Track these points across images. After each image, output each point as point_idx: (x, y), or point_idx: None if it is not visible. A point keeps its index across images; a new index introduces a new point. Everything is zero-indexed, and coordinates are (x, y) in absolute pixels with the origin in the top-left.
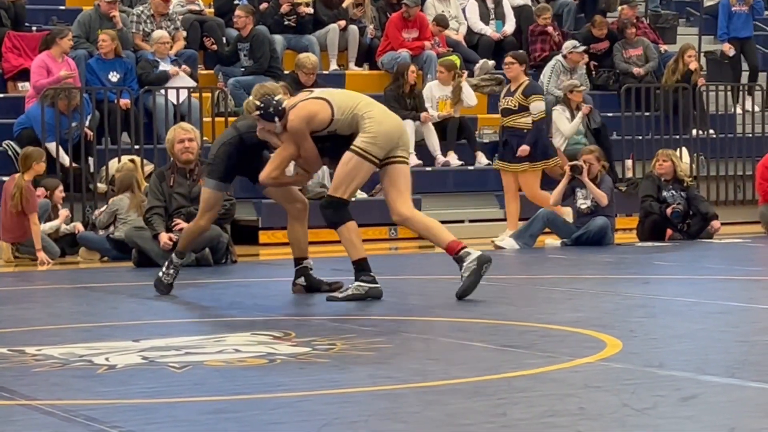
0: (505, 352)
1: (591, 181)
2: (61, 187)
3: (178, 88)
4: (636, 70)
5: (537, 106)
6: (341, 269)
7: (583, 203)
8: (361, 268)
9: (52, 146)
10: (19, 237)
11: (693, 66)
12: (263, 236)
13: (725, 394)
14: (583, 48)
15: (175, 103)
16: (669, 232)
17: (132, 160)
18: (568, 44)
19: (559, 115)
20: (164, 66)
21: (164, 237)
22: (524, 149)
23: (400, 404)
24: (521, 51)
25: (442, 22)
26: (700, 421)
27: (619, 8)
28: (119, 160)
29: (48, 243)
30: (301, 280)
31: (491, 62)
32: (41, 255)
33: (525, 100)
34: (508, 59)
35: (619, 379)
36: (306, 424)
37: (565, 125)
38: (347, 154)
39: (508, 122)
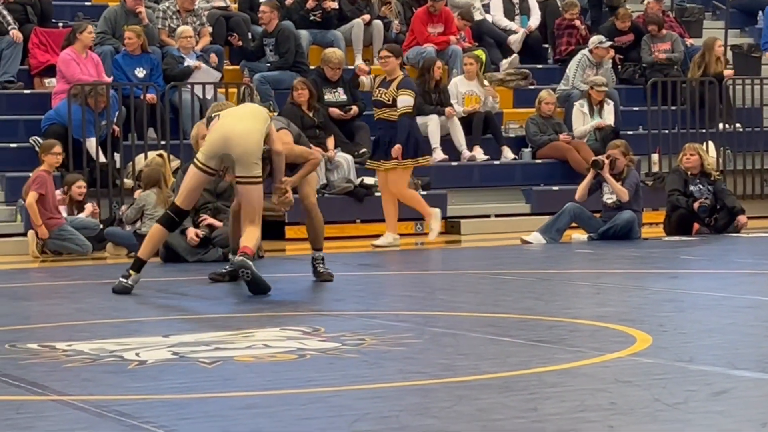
0: (535, 347)
1: (617, 175)
2: (80, 182)
3: (204, 84)
4: (657, 55)
5: (404, 100)
6: (368, 264)
7: (609, 197)
8: None
9: (88, 142)
10: (49, 226)
11: (727, 74)
12: (290, 231)
13: (757, 388)
14: (609, 43)
15: (201, 97)
16: (696, 226)
17: (160, 155)
18: (595, 39)
19: (578, 111)
20: (189, 62)
21: (191, 233)
22: (397, 149)
23: (431, 399)
24: (396, 44)
25: (467, 16)
26: (732, 415)
27: (645, 2)
28: (146, 156)
29: (79, 238)
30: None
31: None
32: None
33: (397, 94)
34: (383, 53)
35: (649, 373)
36: (337, 419)
37: (579, 123)
38: None
39: (380, 114)
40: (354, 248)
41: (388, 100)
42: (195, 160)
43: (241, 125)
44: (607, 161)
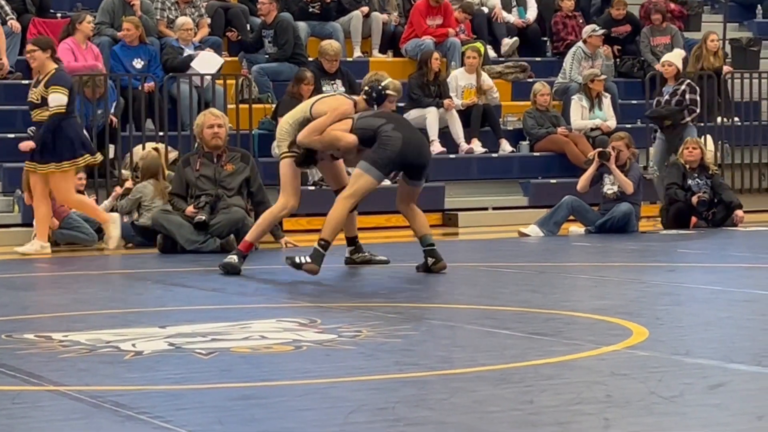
0: (532, 339)
1: (621, 167)
2: (80, 174)
3: (202, 75)
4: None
5: (56, 98)
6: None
7: (610, 189)
8: None
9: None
10: (58, 215)
11: (726, 68)
12: (287, 223)
13: (753, 382)
14: (602, 31)
15: (199, 85)
16: (694, 220)
17: (156, 149)
18: (587, 29)
19: (576, 104)
20: (188, 53)
21: (189, 208)
22: (26, 145)
23: (427, 391)
24: (44, 37)
25: (467, 8)
26: (727, 409)
27: None
28: (143, 147)
29: (85, 227)
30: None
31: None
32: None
33: (47, 92)
34: (28, 47)
35: (645, 366)
36: (333, 411)
37: (578, 116)
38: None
39: (35, 116)
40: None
41: (38, 100)
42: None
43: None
44: (614, 153)
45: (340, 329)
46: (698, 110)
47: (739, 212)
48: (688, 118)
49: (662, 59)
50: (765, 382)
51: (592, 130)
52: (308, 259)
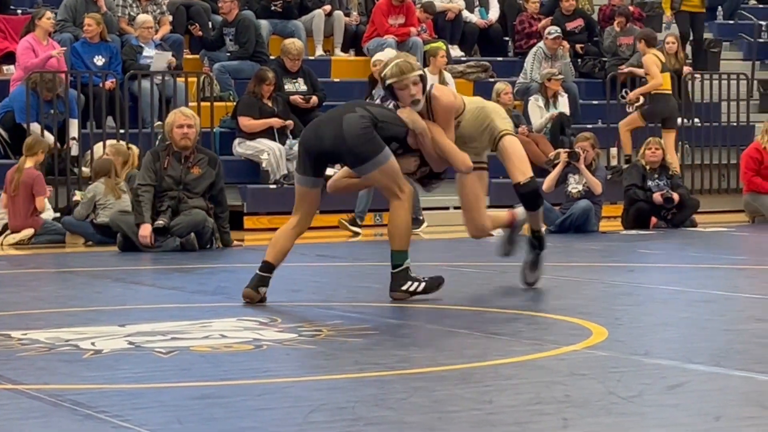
0: (492, 339)
1: (587, 168)
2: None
3: (163, 73)
4: (621, 68)
5: None
6: (326, 254)
7: (575, 188)
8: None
9: (34, 128)
10: (27, 224)
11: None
12: (248, 221)
13: (711, 382)
14: (556, 33)
15: (160, 83)
16: (654, 220)
17: (129, 147)
18: (548, 30)
19: (533, 105)
20: (148, 51)
21: (145, 231)
22: None
23: (387, 390)
24: None
25: (429, 8)
26: (686, 409)
27: None
28: (104, 145)
29: (56, 227)
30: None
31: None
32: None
33: None
34: None
35: (605, 366)
36: (293, 410)
37: (536, 117)
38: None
39: None
40: (313, 239)
41: None
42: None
43: None
44: (583, 153)
45: (301, 328)
46: None
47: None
48: None
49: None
50: (723, 382)
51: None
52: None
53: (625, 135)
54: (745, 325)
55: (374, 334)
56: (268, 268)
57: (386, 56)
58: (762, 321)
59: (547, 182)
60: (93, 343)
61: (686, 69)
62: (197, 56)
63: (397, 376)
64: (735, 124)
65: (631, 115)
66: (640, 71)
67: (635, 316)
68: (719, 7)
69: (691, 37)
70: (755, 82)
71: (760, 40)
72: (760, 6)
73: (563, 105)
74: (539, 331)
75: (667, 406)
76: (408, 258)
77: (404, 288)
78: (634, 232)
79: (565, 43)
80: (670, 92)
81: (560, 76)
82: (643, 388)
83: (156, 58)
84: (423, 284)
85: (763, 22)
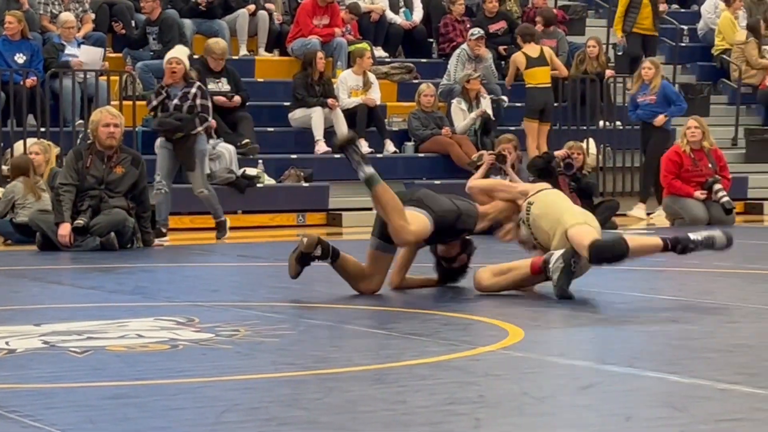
0: (408, 339)
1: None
2: None
3: (86, 71)
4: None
5: None
6: (247, 255)
7: None
8: None
9: None
10: None
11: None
12: (170, 221)
13: (624, 383)
14: (479, 33)
15: (82, 81)
16: None
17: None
18: (471, 30)
19: (456, 107)
20: (71, 49)
21: (64, 230)
22: None
23: (301, 390)
24: None
25: (354, 9)
26: (597, 410)
27: None
28: (24, 143)
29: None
30: None
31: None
32: None
33: None
34: None
35: (519, 367)
36: (206, 410)
37: (459, 120)
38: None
39: None
40: (235, 239)
41: None
42: None
43: None
44: (509, 155)
45: (218, 328)
46: (210, 119)
47: None
48: (200, 128)
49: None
50: (636, 383)
51: (474, 121)
52: None
53: (532, 144)
54: (659, 326)
55: (291, 334)
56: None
57: None
58: (677, 322)
59: (471, 183)
60: (7, 343)
61: (608, 72)
62: (120, 55)
63: (312, 376)
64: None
65: (525, 124)
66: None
67: (552, 317)
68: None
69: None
70: (677, 85)
71: (682, 44)
72: (682, 11)
73: (486, 107)
74: (456, 331)
75: (578, 406)
76: None
77: None
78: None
79: (484, 48)
80: (549, 85)
81: (477, 76)
82: (556, 388)
83: (84, 51)
84: None
85: (684, 27)
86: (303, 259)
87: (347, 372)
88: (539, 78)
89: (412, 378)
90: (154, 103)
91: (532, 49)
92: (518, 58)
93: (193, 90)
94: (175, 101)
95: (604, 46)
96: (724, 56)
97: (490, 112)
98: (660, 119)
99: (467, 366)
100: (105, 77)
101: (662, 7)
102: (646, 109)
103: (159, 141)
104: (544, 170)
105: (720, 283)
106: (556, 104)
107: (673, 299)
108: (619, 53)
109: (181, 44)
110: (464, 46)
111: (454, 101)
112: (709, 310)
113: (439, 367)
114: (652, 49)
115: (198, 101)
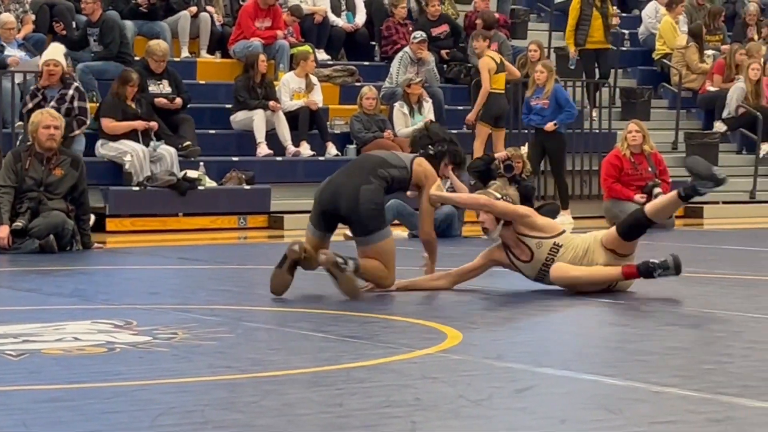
0: (346, 342)
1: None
2: None
3: (25, 72)
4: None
5: None
6: (188, 257)
7: None
8: None
9: None
10: None
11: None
12: (110, 224)
13: (559, 386)
14: (421, 37)
15: (20, 82)
16: None
17: None
18: (414, 33)
19: (398, 112)
20: (10, 50)
21: (2, 232)
22: None
23: (238, 394)
24: None
25: (296, 12)
26: (533, 412)
27: (474, 1)
28: None
29: None
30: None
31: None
32: None
33: None
34: None
35: (456, 370)
36: (142, 414)
37: (401, 124)
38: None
39: None
40: (176, 241)
41: None
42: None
43: None
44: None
45: (156, 331)
46: (88, 121)
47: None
48: (78, 131)
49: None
50: (572, 386)
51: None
52: None
53: (480, 147)
54: (597, 329)
55: (229, 337)
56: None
57: None
58: (614, 325)
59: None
60: None
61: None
62: None
63: (249, 379)
64: (597, 131)
65: (478, 127)
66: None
67: (490, 319)
68: None
69: (597, 74)
70: (617, 89)
71: (623, 49)
72: (623, 15)
73: (428, 111)
74: (394, 334)
75: (514, 409)
76: None
77: None
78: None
79: (426, 51)
80: (503, 92)
81: (419, 80)
82: (492, 391)
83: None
84: None
85: (626, 31)
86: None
87: (284, 375)
88: (500, 83)
89: (349, 381)
90: (30, 105)
91: (495, 55)
92: (489, 63)
93: (71, 92)
94: (52, 103)
95: (546, 50)
96: (665, 60)
97: (433, 116)
98: (549, 126)
99: (404, 369)
100: None
101: (614, 20)
102: (539, 114)
103: None
104: (484, 172)
105: (657, 286)
106: None
107: (611, 302)
108: (571, 67)
109: (59, 44)
110: (407, 49)
111: (397, 105)
112: (646, 313)
113: (376, 370)
114: (605, 62)
115: (76, 103)
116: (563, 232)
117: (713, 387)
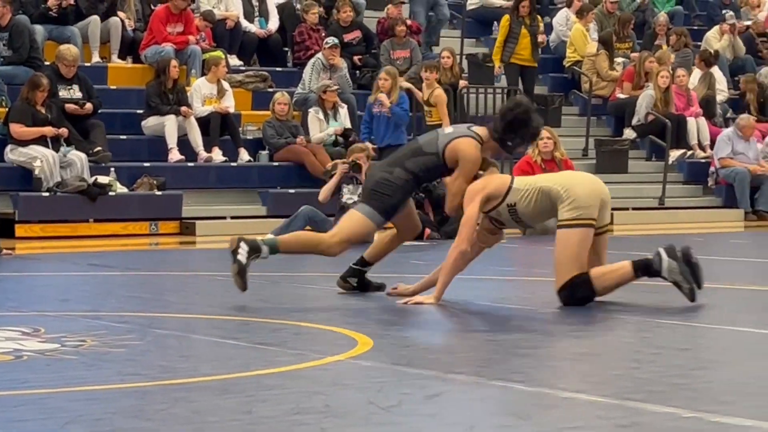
0: (257, 349)
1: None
2: None
3: None
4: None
5: None
6: (98, 264)
7: (350, 198)
8: None
9: None
10: None
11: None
12: (20, 230)
13: (469, 392)
14: (333, 42)
15: None
16: (427, 231)
17: None
18: (327, 39)
19: (313, 117)
20: None
21: None
22: None
23: (147, 401)
24: None
25: (208, 17)
26: (442, 419)
27: (386, 8)
28: None
29: None
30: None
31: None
32: None
33: None
34: None
35: (367, 376)
36: (49, 422)
37: (315, 130)
38: (560, 234)
39: None
40: (87, 248)
41: None
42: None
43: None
44: (364, 165)
45: (64, 338)
46: None
47: (426, 230)
48: None
49: None
50: (482, 392)
51: (336, 137)
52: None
53: None
54: (508, 335)
55: (139, 344)
56: (361, 262)
57: None
58: (525, 331)
59: (324, 193)
60: None
61: (462, 83)
62: None
63: (158, 387)
64: None
65: None
66: (417, 91)
67: (402, 326)
68: (495, 23)
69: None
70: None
71: None
72: None
73: (343, 117)
74: (305, 341)
75: (424, 415)
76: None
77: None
78: (407, 243)
79: (339, 57)
80: None
81: (335, 88)
82: (402, 397)
83: None
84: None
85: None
86: (235, 261)
87: (194, 382)
88: None
89: (259, 388)
90: None
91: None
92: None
93: None
94: None
95: (458, 57)
96: (576, 68)
97: (348, 122)
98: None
99: (315, 375)
100: None
101: (541, 38)
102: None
103: None
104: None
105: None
106: (410, 114)
107: (522, 308)
108: (497, 83)
109: (32, 50)
110: (319, 55)
111: (312, 110)
112: (557, 319)
113: (286, 377)
114: (529, 79)
115: None
116: (510, 185)
117: (621, 393)
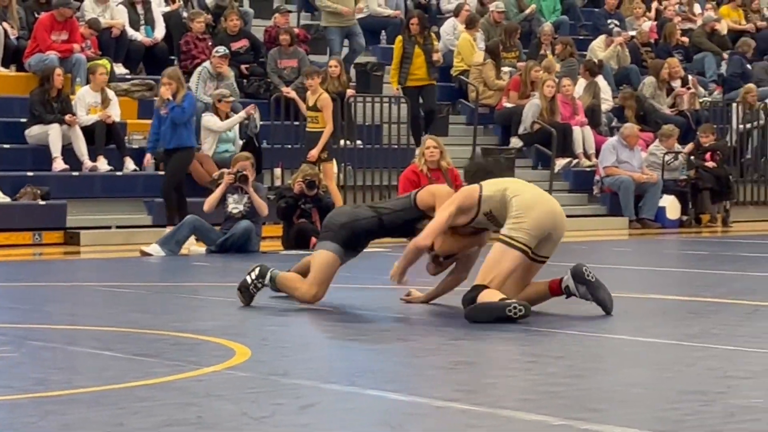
0: (133, 360)
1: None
2: None
3: None
4: (285, 89)
5: None
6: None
7: (236, 208)
8: None
9: None
10: None
11: (349, 92)
12: None
13: (344, 401)
14: (222, 51)
15: None
16: (314, 240)
17: None
18: (216, 48)
19: (210, 118)
20: None
21: None
22: None
23: (17, 414)
24: None
25: (94, 25)
26: (315, 429)
27: (273, 17)
28: None
29: None
30: None
31: None
32: None
33: None
34: None
35: (242, 387)
36: None
37: (213, 127)
38: (496, 244)
39: None
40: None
41: None
42: (509, 239)
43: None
44: (250, 175)
45: None
46: None
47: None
48: None
49: None
50: (356, 402)
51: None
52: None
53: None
54: (386, 344)
55: (13, 356)
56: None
57: None
58: (403, 340)
59: (210, 202)
60: None
61: (349, 92)
62: None
63: (29, 400)
64: (396, 146)
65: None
66: (299, 99)
67: (281, 336)
68: (383, 32)
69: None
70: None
71: None
72: None
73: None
74: (182, 352)
75: (297, 425)
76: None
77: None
78: (294, 252)
79: (225, 65)
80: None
81: (231, 99)
82: (276, 408)
83: None
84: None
85: None
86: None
87: (66, 395)
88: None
89: (132, 400)
90: None
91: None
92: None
93: None
94: None
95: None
96: (463, 77)
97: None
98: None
99: (189, 387)
100: None
101: (436, 56)
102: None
103: None
104: (290, 207)
105: (444, 300)
106: (297, 123)
107: (402, 317)
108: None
109: None
110: (206, 63)
111: (206, 115)
112: (436, 328)
113: (160, 389)
114: (428, 97)
115: None
116: (480, 195)
117: (494, 401)
